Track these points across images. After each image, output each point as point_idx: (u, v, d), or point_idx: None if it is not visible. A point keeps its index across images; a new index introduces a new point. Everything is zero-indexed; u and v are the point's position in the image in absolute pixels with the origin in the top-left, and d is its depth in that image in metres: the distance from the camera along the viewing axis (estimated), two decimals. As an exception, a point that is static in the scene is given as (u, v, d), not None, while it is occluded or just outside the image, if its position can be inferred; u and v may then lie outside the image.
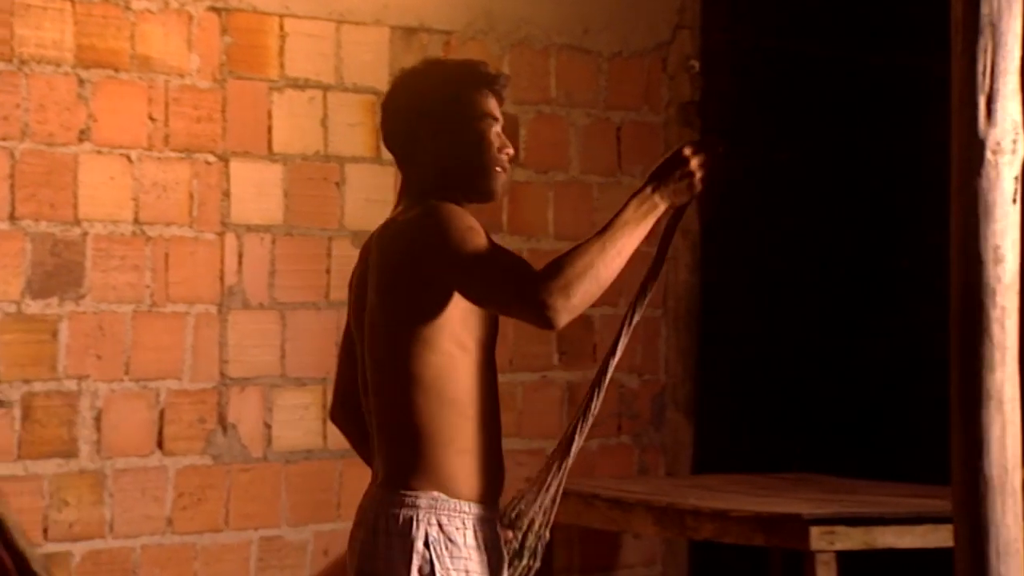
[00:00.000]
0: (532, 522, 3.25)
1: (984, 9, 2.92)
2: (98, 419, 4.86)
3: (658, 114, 6.03)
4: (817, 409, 6.30)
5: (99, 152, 4.91)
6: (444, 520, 3.14)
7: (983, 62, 2.93)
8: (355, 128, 5.40)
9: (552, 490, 3.26)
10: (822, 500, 4.90)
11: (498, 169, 3.30)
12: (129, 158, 4.97)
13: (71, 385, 4.79)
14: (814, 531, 4.54)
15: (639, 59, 5.98)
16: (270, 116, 5.23)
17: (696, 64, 6.05)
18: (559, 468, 3.26)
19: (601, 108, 5.92)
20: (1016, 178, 2.92)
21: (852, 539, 4.58)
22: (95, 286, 4.91)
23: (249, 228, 5.18)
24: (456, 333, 3.17)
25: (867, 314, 6.39)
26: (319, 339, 5.29)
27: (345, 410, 3.40)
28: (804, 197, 6.26)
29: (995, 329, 2.90)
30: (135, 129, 4.97)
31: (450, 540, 3.15)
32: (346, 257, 5.36)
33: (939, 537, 4.59)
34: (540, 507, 3.26)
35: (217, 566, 5.07)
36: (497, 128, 3.29)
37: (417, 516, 3.13)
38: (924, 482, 5.23)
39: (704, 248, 6.11)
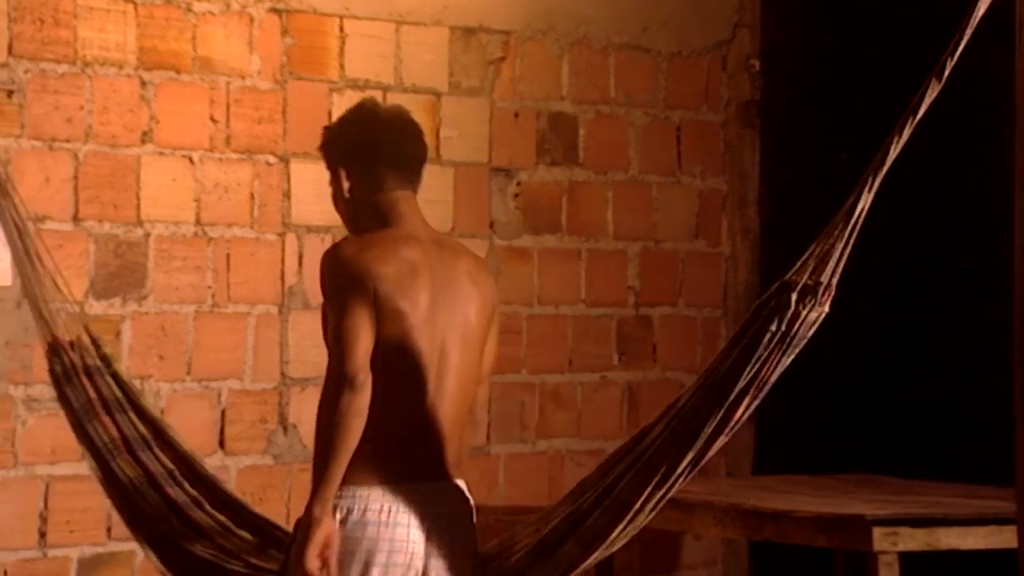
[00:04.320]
0: (815, 288, 3.30)
1: (1048, 7, 2.89)
2: (160, 419, 4.88)
3: (717, 113, 6.01)
4: (879, 410, 6.26)
5: (161, 154, 4.95)
6: None
7: (1047, 60, 2.90)
8: (415, 129, 5.40)
9: (839, 253, 3.27)
10: (884, 501, 4.87)
11: None
12: (191, 159, 5.00)
13: (134, 385, 4.82)
14: (877, 532, 4.51)
15: (698, 58, 5.96)
16: (330, 117, 5.23)
17: (756, 63, 6.04)
18: (844, 230, 3.29)
19: (660, 107, 5.91)
20: (1082, 176, 2.89)
21: (915, 540, 4.55)
22: (157, 287, 4.94)
23: (309, 229, 5.20)
24: None
25: (929, 314, 6.35)
26: (379, 339, 5.30)
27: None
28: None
29: (1060, 329, 2.88)
30: (197, 130, 5.00)
31: None
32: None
33: (1003, 538, 4.55)
34: (828, 273, 3.29)
35: (278, 565, 5.08)
36: None
37: None
38: (987, 483, 5.19)
39: (764, 247, 6.09)
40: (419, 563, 3.45)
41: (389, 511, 3.44)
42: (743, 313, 6.04)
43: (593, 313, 5.78)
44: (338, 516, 3.42)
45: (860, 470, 5.70)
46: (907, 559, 4.61)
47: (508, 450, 5.59)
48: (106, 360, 3.94)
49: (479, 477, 5.51)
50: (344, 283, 3.43)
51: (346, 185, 3.61)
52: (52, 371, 3.96)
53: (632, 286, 5.85)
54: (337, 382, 3.38)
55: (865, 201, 3.24)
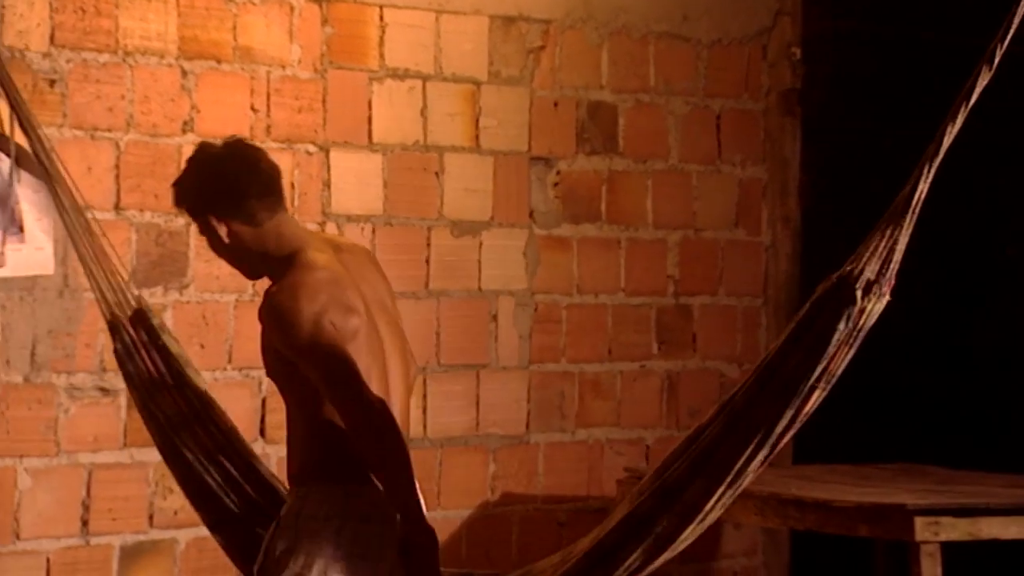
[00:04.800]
0: (874, 281, 3.29)
1: (1096, -8, 2.87)
2: (202, 407, 4.89)
3: (758, 102, 6.00)
4: (922, 398, 6.24)
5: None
6: None
7: (1094, 46, 2.88)
8: (454, 118, 5.41)
9: (900, 244, 3.25)
10: (925, 490, 4.85)
11: None
12: (231, 149, 5.00)
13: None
14: (919, 522, 4.49)
15: (739, 46, 5.94)
16: (370, 106, 5.25)
17: (797, 51, 6.01)
18: (902, 220, 3.26)
19: (700, 96, 5.90)
20: None
21: (957, 530, 4.53)
22: (199, 276, 4.95)
23: (349, 218, 5.21)
24: None
25: (970, 303, 6.32)
26: (418, 328, 5.31)
27: None
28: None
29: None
30: (237, 120, 5.01)
31: None
32: (445, 247, 5.38)
33: (1046, 528, 4.53)
34: (890, 264, 3.28)
35: (319, 554, 5.09)
36: None
37: None
38: (1029, 473, 5.17)
39: (805, 237, 6.07)
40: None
41: (377, 506, 3.52)
42: (784, 303, 6.03)
43: (633, 302, 5.77)
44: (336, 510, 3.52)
45: (903, 460, 5.68)
46: (949, 549, 4.59)
47: (548, 439, 5.59)
48: (154, 334, 3.97)
49: (518, 467, 5.52)
50: (307, 334, 3.46)
51: (223, 231, 3.63)
52: (116, 350, 4.00)
53: (672, 275, 5.84)
54: (367, 430, 3.46)
55: (922, 190, 3.22)
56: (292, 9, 5.09)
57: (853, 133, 6.19)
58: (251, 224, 3.62)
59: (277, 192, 3.68)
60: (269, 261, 3.63)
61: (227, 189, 3.62)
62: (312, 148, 5.14)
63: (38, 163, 4.19)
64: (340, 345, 3.47)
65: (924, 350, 6.30)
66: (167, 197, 4.89)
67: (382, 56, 5.26)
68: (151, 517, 4.83)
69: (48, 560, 4.68)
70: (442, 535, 5.22)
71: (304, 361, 3.50)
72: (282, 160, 5.07)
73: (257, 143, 4.99)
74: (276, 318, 3.50)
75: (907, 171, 3.31)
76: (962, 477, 5.22)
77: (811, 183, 6.09)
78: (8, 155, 4.47)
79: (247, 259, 3.67)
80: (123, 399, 4.77)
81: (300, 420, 3.64)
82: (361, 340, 3.52)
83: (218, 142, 3.75)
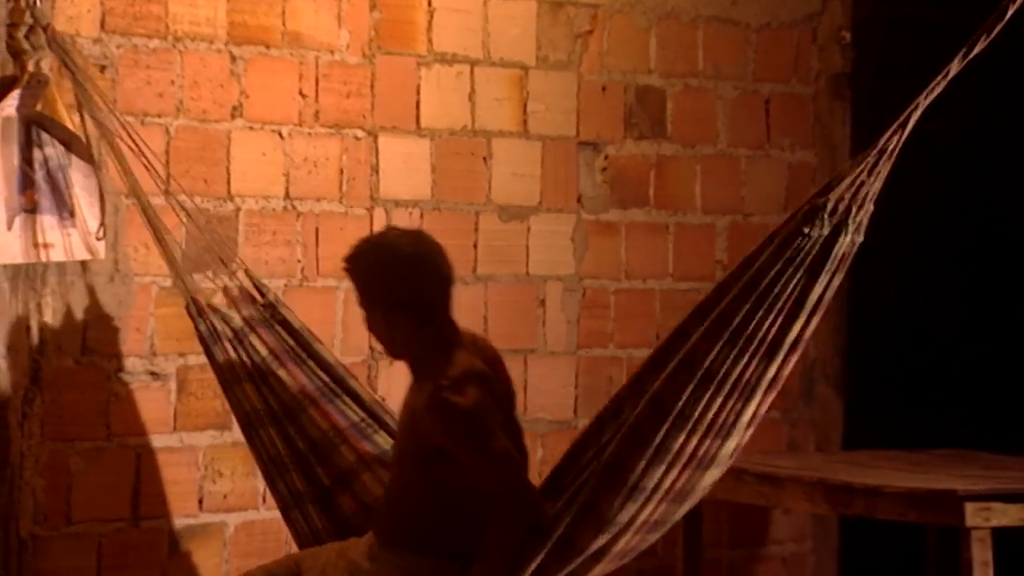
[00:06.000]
0: (862, 195, 3.36)
1: None
2: (251, 392, 4.90)
3: (807, 86, 5.97)
4: (972, 384, 6.21)
5: (251, 128, 4.97)
6: None
7: None
8: (502, 103, 5.41)
9: (881, 164, 3.34)
10: (976, 476, 4.83)
11: None
12: (280, 134, 5.02)
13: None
14: (969, 507, 4.47)
15: (788, 30, 5.92)
16: (418, 91, 5.25)
17: (847, 34, 5.98)
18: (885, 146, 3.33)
19: (749, 80, 5.87)
20: None
21: (1008, 515, 4.51)
22: (247, 261, 4.95)
23: (397, 203, 5.22)
24: None
25: (1020, 287, 6.29)
26: (466, 313, 5.30)
27: None
28: (957, 168, 6.16)
29: None
30: (286, 105, 5.03)
31: None
32: (493, 231, 5.38)
33: (1097, 514, 4.50)
34: (869, 178, 3.36)
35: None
36: None
37: None
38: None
39: (854, 221, 6.04)
40: None
41: None
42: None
43: (681, 287, 5.76)
44: None
45: (953, 445, 5.66)
46: (1000, 534, 4.57)
47: (596, 424, 5.58)
48: (272, 309, 4.06)
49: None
50: (478, 433, 3.61)
51: (384, 322, 3.78)
52: (199, 331, 4.08)
53: (720, 260, 5.83)
54: (523, 524, 3.62)
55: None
56: (340, -6, 5.10)
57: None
58: (417, 325, 3.73)
59: (449, 299, 3.79)
60: (421, 355, 3.76)
61: (408, 300, 3.73)
62: (360, 133, 5.15)
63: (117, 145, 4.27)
64: (505, 439, 3.64)
65: (974, 336, 6.27)
66: (216, 182, 4.94)
67: (430, 41, 5.26)
68: (201, 501, 4.85)
69: (99, 543, 4.71)
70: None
71: (471, 458, 3.63)
72: (330, 145, 5.09)
73: (306, 129, 5.04)
74: (449, 417, 3.62)
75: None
76: (1013, 463, 5.20)
77: (861, 168, 6.05)
78: (60, 141, 4.49)
79: (399, 348, 3.80)
80: (173, 383, 4.80)
81: (421, 493, 3.73)
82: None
83: (405, 238, 3.86)
